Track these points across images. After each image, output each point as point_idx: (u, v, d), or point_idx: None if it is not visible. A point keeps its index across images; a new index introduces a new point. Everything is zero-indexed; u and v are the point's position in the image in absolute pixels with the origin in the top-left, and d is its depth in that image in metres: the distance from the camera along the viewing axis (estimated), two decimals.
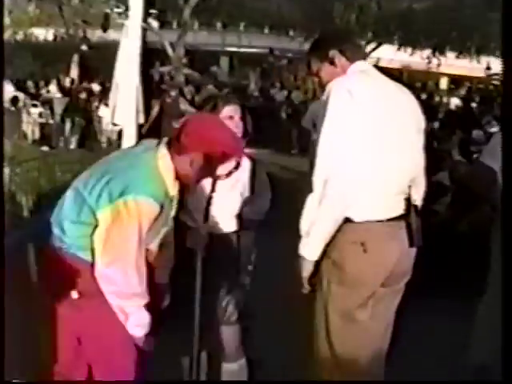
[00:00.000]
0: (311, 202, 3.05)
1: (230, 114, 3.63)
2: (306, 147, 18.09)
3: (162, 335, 3.36)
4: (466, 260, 6.13)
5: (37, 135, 17.29)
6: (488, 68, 29.91)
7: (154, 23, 22.70)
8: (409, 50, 23.30)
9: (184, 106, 14.39)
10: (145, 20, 18.95)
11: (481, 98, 28.99)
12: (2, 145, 5.55)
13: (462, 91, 33.43)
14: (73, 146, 16.86)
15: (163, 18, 25.88)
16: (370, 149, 3.02)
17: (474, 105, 25.09)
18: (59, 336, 3.25)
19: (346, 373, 3.20)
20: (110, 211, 2.90)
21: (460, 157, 9.61)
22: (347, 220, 3.05)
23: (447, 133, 13.50)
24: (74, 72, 24.57)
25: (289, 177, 11.88)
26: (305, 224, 3.08)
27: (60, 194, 3.19)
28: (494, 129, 15.04)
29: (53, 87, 21.19)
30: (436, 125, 16.54)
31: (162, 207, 2.99)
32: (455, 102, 26.14)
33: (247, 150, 3.65)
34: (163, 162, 3.03)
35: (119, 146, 7.61)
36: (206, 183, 3.59)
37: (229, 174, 3.64)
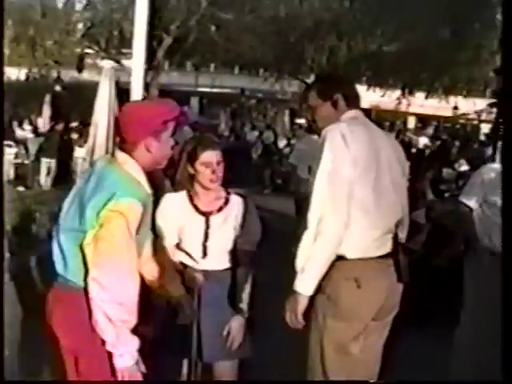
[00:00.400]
0: (306, 238, 3.24)
1: (209, 160, 3.70)
2: (281, 187, 18.42)
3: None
4: (441, 292, 6.40)
5: (11, 175, 17.27)
6: (455, 108, 30.59)
7: (127, 63, 22.94)
8: (378, 90, 23.75)
9: None
10: (117, 61, 19.14)
11: (449, 136, 29.60)
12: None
13: (430, 130, 34.06)
14: (48, 185, 16.87)
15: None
16: (362, 190, 3.24)
17: (443, 143, 25.57)
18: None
19: None
20: (97, 221, 2.92)
21: (432, 196, 9.89)
22: (341, 257, 3.25)
23: (418, 172, 13.76)
24: (47, 112, 24.56)
25: (262, 215, 12.00)
26: (300, 260, 3.26)
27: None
28: (464, 167, 15.41)
29: (26, 127, 21.28)
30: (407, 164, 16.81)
31: (144, 207, 3.02)
32: (423, 141, 26.61)
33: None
34: (128, 164, 3.06)
35: None
36: (200, 221, 3.75)
37: (220, 210, 3.79)
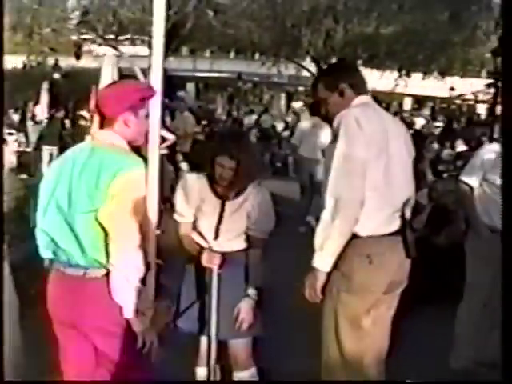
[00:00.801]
0: (325, 217, 3.42)
1: (222, 163, 3.84)
2: (281, 170, 18.56)
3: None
4: (443, 270, 6.59)
5: (14, 163, 17.34)
6: (452, 89, 30.68)
7: (126, 49, 22.99)
8: (375, 72, 23.82)
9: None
10: (115, 47, 19.13)
11: (445, 116, 29.69)
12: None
13: (426, 111, 34.15)
14: None
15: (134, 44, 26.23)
16: (374, 171, 3.42)
17: (440, 124, 25.71)
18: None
19: (351, 371, 3.58)
20: (107, 196, 2.98)
21: (432, 176, 10.07)
22: (354, 235, 3.44)
23: (418, 152, 13.92)
24: (45, 100, 24.54)
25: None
26: (319, 238, 3.44)
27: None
28: (462, 148, 15.56)
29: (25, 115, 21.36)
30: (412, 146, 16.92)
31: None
32: (420, 122, 26.71)
33: None
34: (112, 139, 3.14)
35: None
36: (216, 204, 3.94)
37: (236, 195, 3.97)
